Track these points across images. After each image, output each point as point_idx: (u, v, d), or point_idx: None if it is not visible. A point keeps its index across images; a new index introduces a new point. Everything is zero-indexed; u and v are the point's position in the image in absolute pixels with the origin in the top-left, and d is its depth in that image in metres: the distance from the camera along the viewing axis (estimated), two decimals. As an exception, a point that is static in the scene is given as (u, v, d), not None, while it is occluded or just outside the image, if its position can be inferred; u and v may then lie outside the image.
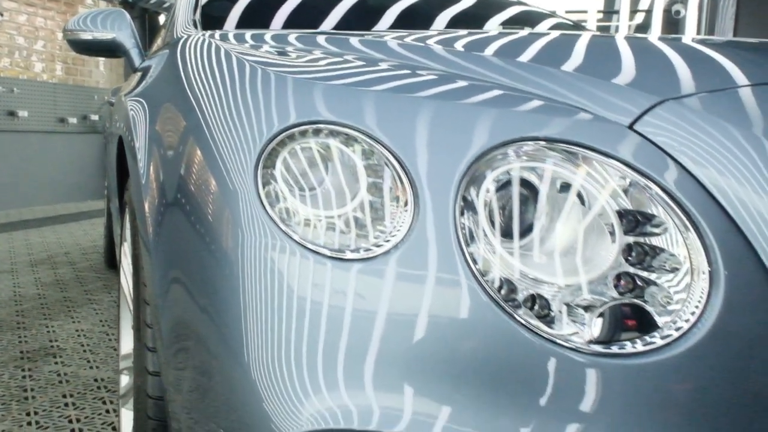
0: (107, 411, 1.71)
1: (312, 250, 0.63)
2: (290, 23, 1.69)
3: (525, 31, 1.20)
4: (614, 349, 0.57)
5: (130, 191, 1.15)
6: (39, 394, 1.82)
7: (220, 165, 0.71)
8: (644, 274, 0.58)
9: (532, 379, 0.57)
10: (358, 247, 0.63)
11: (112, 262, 3.38)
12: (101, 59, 6.74)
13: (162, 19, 7.40)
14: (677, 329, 0.56)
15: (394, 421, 0.59)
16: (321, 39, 1.01)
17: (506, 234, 0.61)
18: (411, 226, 0.61)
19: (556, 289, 0.59)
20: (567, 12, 6.72)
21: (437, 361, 0.59)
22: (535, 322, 0.58)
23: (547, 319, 0.59)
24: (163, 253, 0.82)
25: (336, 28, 1.71)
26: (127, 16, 1.84)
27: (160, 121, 0.95)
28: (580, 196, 0.61)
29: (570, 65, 0.78)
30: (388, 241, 0.62)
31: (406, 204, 0.63)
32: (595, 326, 0.58)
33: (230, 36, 1.04)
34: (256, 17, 1.69)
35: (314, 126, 0.68)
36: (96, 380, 1.93)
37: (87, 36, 1.77)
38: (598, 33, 1.14)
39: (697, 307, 0.57)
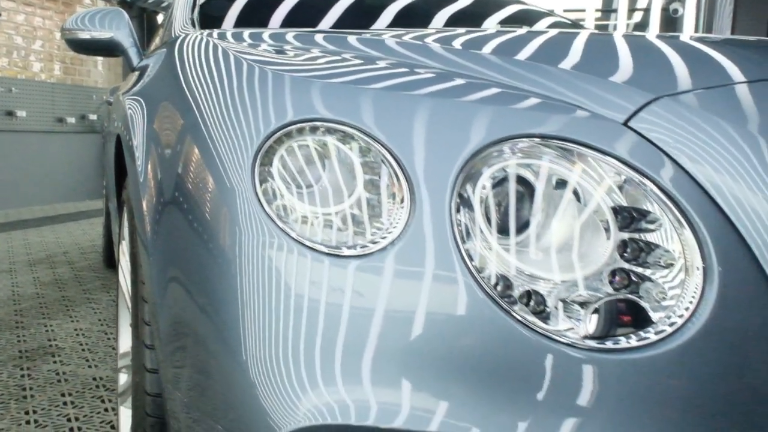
0: (106, 410, 1.72)
1: (309, 246, 0.63)
2: (288, 22, 1.69)
3: (522, 30, 1.20)
4: (609, 344, 0.57)
5: (128, 190, 1.15)
6: (38, 393, 1.82)
7: (217, 163, 0.71)
8: (639, 270, 0.59)
9: (529, 374, 0.57)
10: (355, 243, 0.63)
11: (110, 262, 3.38)
12: (99, 59, 6.73)
13: (160, 18, 7.39)
14: (671, 325, 0.57)
15: (391, 416, 0.59)
16: (319, 37, 1.01)
17: (502, 230, 0.62)
18: (407, 223, 0.62)
19: (552, 285, 0.60)
20: (565, 11, 6.73)
21: (434, 356, 0.59)
22: (531, 318, 0.59)
23: (543, 314, 0.59)
24: (161, 251, 0.82)
25: (334, 26, 1.72)
26: (125, 15, 1.84)
27: (158, 120, 0.95)
28: (575, 192, 0.61)
29: (566, 63, 0.78)
30: (384, 237, 0.62)
31: (402, 201, 0.63)
32: (590, 322, 0.58)
33: (228, 35, 1.04)
34: (254, 16, 1.70)
35: (311, 123, 0.68)
36: (95, 379, 1.93)
37: (85, 35, 1.77)
38: (594, 31, 1.14)
39: (691, 302, 0.57)
